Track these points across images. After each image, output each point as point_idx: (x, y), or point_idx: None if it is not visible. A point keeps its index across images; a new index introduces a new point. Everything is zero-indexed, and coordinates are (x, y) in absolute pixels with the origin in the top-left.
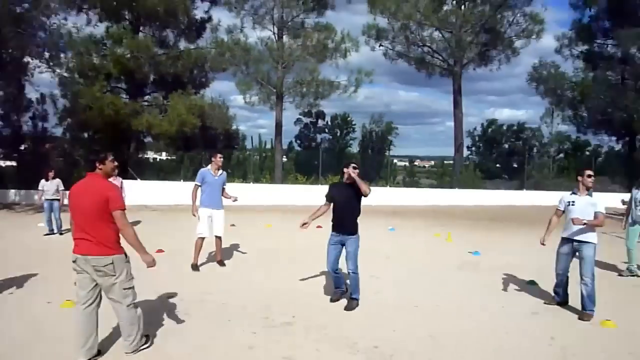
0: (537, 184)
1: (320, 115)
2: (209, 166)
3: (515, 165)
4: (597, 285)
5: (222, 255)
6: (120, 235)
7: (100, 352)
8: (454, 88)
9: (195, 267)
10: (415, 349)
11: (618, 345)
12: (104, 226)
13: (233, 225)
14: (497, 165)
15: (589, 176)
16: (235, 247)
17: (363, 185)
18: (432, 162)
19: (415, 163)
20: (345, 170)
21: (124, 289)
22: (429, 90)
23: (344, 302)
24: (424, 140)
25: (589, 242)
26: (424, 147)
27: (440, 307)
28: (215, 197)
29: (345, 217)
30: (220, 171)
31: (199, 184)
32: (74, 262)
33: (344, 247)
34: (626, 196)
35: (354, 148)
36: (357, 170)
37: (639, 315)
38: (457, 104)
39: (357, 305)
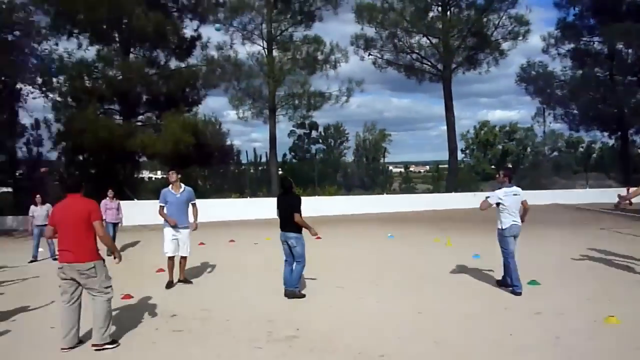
0: (532, 183)
1: (314, 126)
2: (170, 185)
3: (509, 166)
4: (603, 282)
5: (185, 274)
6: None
7: (81, 342)
8: (445, 93)
9: (169, 284)
10: (422, 356)
11: (621, 341)
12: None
13: (232, 240)
14: (492, 166)
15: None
16: (235, 258)
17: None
18: (427, 167)
19: (411, 169)
20: None
21: (105, 287)
22: (421, 96)
23: (343, 310)
24: (419, 146)
25: None
26: (418, 153)
27: (444, 312)
28: (179, 216)
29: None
30: (183, 188)
31: (163, 204)
32: (60, 269)
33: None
34: (622, 191)
35: (349, 157)
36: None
37: None
38: (448, 108)
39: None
